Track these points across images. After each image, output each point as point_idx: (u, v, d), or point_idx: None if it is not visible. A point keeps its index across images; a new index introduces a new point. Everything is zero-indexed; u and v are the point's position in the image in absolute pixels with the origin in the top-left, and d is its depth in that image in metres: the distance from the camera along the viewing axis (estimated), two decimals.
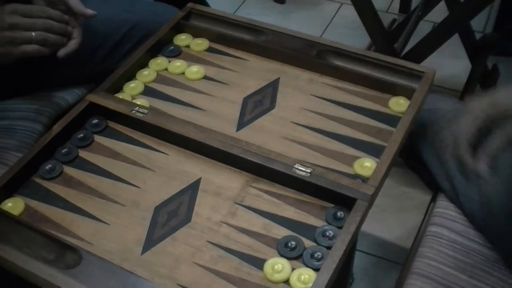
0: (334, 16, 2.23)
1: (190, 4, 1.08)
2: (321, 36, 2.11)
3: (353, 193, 0.76)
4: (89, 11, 0.96)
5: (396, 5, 2.21)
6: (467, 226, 0.91)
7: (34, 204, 0.80)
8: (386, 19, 2.04)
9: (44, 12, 0.93)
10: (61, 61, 0.99)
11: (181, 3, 1.11)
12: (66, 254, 0.71)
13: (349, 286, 1.23)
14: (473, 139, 0.77)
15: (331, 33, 2.13)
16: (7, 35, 0.89)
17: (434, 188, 0.98)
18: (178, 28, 1.06)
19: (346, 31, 2.06)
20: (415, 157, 1.01)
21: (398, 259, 1.42)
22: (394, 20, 2.03)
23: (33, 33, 0.90)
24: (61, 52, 0.95)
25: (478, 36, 1.78)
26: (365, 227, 1.45)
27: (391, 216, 1.52)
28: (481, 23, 2.09)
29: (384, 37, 1.49)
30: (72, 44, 0.96)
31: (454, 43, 1.71)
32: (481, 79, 1.70)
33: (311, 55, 0.97)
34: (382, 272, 1.42)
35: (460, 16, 1.42)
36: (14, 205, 0.79)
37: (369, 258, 1.45)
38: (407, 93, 0.91)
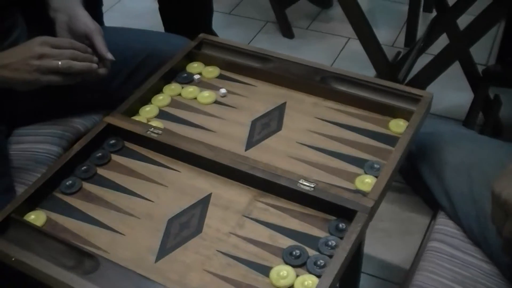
0: (341, 50, 2.30)
1: (202, 35, 1.15)
2: None
3: (354, 206, 0.80)
4: (109, 56, 1.02)
5: (401, 39, 2.28)
6: (465, 242, 0.95)
7: (55, 216, 0.85)
8: (391, 53, 2.11)
9: (72, 44, 1.00)
10: (80, 89, 1.06)
11: (192, 34, 1.17)
12: (84, 260, 0.77)
13: None
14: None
15: (338, 66, 2.20)
16: (36, 63, 0.95)
17: (434, 207, 1.03)
18: (191, 57, 1.13)
19: (353, 64, 2.12)
20: (416, 177, 1.05)
21: None
22: (398, 53, 2.10)
23: (60, 62, 0.96)
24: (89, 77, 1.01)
25: (481, 69, 1.84)
26: (371, 251, 1.51)
27: (396, 240, 1.56)
28: (484, 56, 2.15)
29: (387, 67, 1.54)
30: (102, 71, 1.02)
31: (458, 76, 1.77)
32: (483, 108, 1.74)
33: (315, 81, 1.03)
34: None
35: (460, 44, 1.47)
36: (36, 217, 0.85)
37: (374, 281, 1.48)
38: (406, 115, 0.96)
